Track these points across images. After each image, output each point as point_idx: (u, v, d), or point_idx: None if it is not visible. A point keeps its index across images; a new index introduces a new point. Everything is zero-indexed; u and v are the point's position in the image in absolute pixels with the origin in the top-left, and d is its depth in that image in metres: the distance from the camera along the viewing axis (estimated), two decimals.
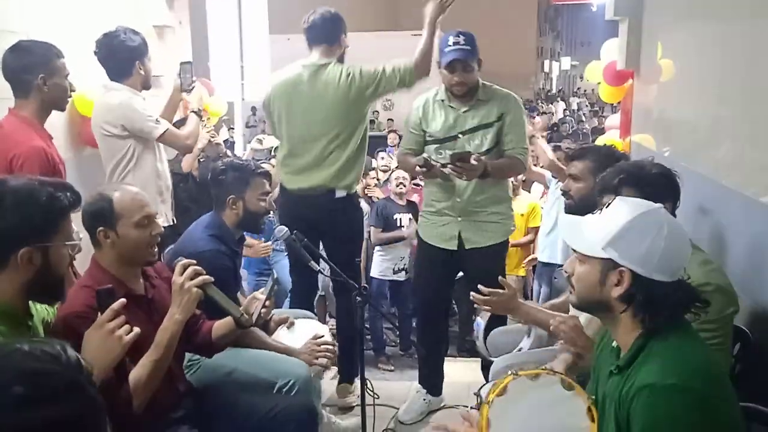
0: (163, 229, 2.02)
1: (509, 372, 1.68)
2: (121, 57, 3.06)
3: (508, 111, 3.03)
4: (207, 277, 1.92)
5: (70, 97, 2.74)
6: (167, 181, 3.31)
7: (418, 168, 2.97)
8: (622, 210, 1.47)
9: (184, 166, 4.06)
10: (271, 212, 2.99)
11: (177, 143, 3.25)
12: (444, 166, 2.96)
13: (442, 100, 3.09)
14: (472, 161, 2.83)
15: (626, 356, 1.46)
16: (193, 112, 3.37)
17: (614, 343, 1.56)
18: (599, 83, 4.86)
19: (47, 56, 2.59)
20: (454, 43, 2.94)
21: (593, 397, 1.60)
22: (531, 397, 1.58)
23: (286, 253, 4.29)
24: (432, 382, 3.37)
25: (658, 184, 1.96)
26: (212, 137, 4.07)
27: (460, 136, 3.05)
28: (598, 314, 1.57)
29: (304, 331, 2.71)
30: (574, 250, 1.54)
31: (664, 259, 1.40)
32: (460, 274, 4.51)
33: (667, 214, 1.47)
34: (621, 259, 1.42)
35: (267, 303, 2.24)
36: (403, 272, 4.86)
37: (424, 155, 3.04)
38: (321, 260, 2.79)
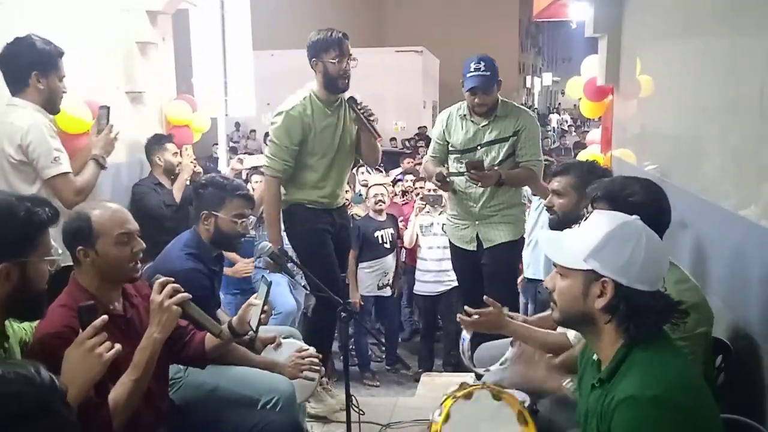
0: (144, 245, 1.99)
1: (445, 396, 1.73)
2: (18, 63, 2.70)
3: (523, 126, 3.33)
4: (185, 294, 1.90)
5: None
6: None
7: (435, 181, 3.35)
8: (601, 222, 1.50)
9: (175, 196, 4.03)
10: (248, 233, 2.92)
11: (63, 193, 2.75)
12: (462, 173, 3.32)
13: (464, 115, 3.42)
14: (486, 170, 3.16)
15: (607, 369, 1.47)
16: (93, 159, 2.96)
17: (595, 357, 1.57)
18: (580, 99, 4.92)
19: None
20: (475, 69, 3.25)
21: (523, 401, 1.65)
22: (472, 415, 1.66)
23: (268, 271, 4.24)
24: None
25: (633, 213, 1.96)
26: (195, 167, 4.08)
27: (478, 147, 3.38)
28: (581, 328, 1.58)
29: (290, 352, 2.69)
30: (555, 264, 1.55)
31: (645, 268, 1.43)
32: (442, 289, 4.60)
33: (645, 226, 1.49)
34: (603, 270, 1.44)
35: (265, 308, 2.23)
36: (388, 287, 4.86)
37: (442, 170, 3.36)
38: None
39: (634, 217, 1.51)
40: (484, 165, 3.20)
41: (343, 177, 3.50)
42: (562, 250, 1.53)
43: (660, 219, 1.95)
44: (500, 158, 3.35)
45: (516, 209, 3.47)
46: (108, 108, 3.13)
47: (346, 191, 3.90)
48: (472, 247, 3.48)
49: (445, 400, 1.72)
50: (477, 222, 3.45)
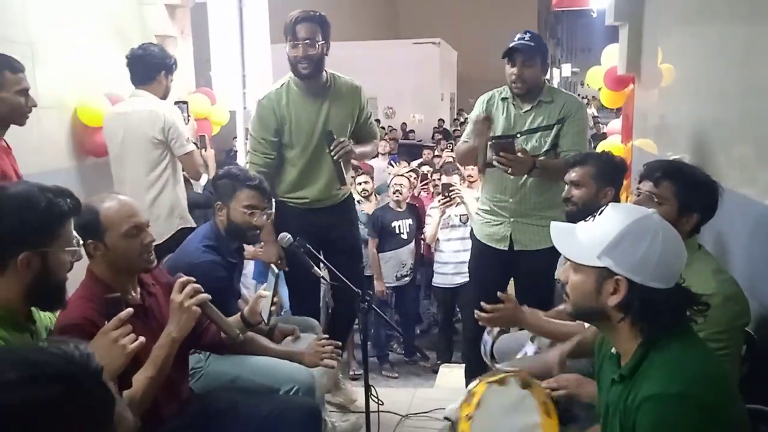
0: (154, 238, 1.99)
1: (478, 380, 1.70)
2: (150, 62, 3.34)
3: (569, 113, 2.96)
4: (205, 295, 1.90)
5: (29, 111, 2.66)
6: None
7: (478, 124, 2.94)
8: (615, 217, 1.44)
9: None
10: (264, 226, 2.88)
11: (194, 167, 3.42)
12: (490, 165, 2.90)
13: (506, 98, 3.07)
14: (519, 154, 2.79)
15: (628, 365, 1.44)
16: (192, 143, 3.46)
17: (613, 350, 1.54)
18: (600, 89, 4.87)
19: None
20: (519, 39, 2.95)
21: (549, 391, 1.62)
22: (502, 402, 1.62)
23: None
24: None
25: (697, 191, 1.96)
26: None
27: (518, 136, 2.99)
28: (595, 323, 1.54)
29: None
30: (568, 259, 1.51)
31: (660, 265, 1.38)
32: (460, 281, 4.54)
33: (661, 220, 1.43)
34: (616, 268, 1.40)
35: (275, 299, 2.24)
36: (407, 278, 4.85)
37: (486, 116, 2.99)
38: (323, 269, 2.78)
39: (651, 211, 1.45)
40: (515, 147, 2.80)
41: (333, 172, 3.05)
42: (574, 245, 1.49)
43: (717, 200, 1.99)
44: (544, 148, 2.96)
45: (557, 210, 2.87)
46: (186, 102, 3.66)
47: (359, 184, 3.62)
48: (504, 246, 3.07)
49: (478, 384, 1.70)
50: (512, 219, 3.05)
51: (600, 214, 1.49)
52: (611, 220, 1.44)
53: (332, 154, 2.92)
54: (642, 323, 1.41)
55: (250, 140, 3.17)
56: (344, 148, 2.92)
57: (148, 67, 3.35)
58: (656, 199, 1.97)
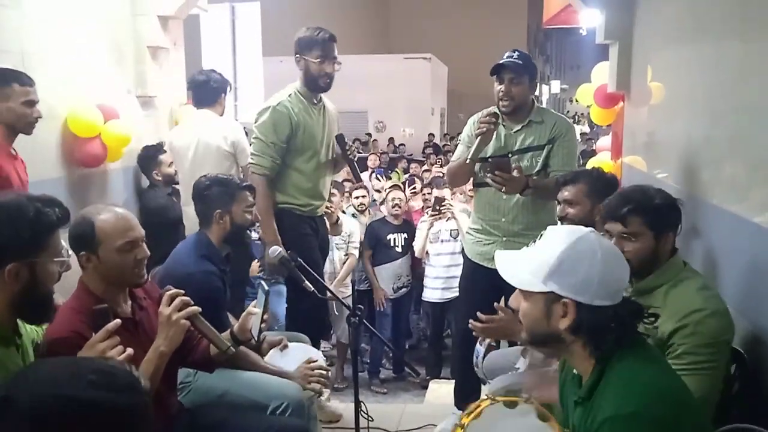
0: (149, 253, 1.96)
1: (485, 395, 1.69)
2: (213, 86, 3.78)
3: (559, 133, 3.02)
4: (195, 308, 1.89)
5: (34, 121, 2.84)
6: None
7: (485, 119, 2.90)
8: (554, 241, 1.46)
9: None
10: (256, 224, 3.08)
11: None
12: (488, 184, 2.95)
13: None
14: (514, 172, 2.84)
15: (586, 386, 1.45)
16: None
17: (575, 371, 1.54)
18: (590, 106, 4.91)
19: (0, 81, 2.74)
20: (507, 56, 2.99)
21: (567, 430, 1.60)
22: (506, 424, 1.59)
23: (272, 280, 4.18)
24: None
25: (664, 214, 1.98)
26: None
27: (509, 156, 3.02)
28: (551, 347, 1.55)
29: (297, 355, 2.69)
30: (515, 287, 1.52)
31: (603, 283, 1.40)
32: (450, 295, 4.54)
33: (599, 238, 1.46)
34: (562, 291, 1.42)
35: (265, 317, 2.23)
36: (404, 289, 4.85)
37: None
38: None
39: (588, 230, 1.48)
40: (510, 166, 2.86)
41: (328, 182, 3.47)
42: (520, 272, 1.50)
43: (680, 211, 2.00)
44: (536, 168, 3.00)
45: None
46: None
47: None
48: (495, 265, 3.15)
49: (484, 399, 1.68)
50: (504, 238, 3.08)
51: (540, 238, 1.51)
52: (551, 244, 1.46)
53: (348, 154, 3.35)
54: (594, 342, 1.43)
55: (258, 144, 3.22)
56: (354, 151, 3.37)
57: (212, 91, 3.78)
58: (632, 238, 1.96)
